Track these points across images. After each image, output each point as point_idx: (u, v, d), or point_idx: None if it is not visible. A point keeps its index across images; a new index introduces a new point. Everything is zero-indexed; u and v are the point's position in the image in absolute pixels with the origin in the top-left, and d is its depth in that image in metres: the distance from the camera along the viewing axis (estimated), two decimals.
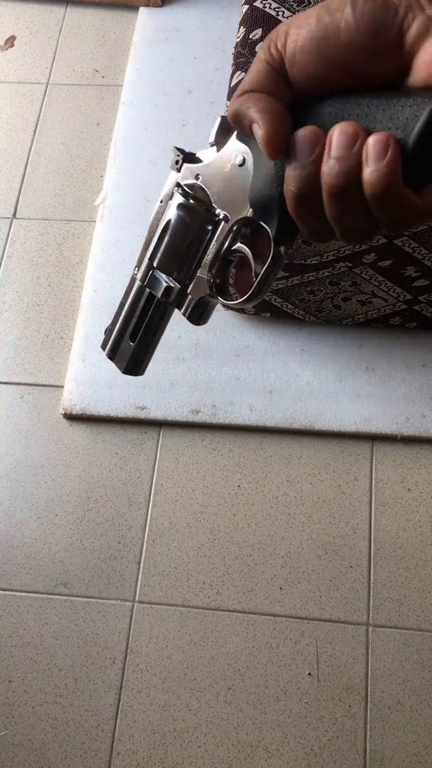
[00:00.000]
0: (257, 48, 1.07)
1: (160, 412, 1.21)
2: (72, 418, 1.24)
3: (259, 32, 1.06)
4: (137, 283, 0.44)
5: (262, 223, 0.37)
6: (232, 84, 1.05)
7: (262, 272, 0.38)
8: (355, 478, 1.16)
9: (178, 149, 0.40)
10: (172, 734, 1.04)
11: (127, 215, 1.36)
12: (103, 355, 0.47)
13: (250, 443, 1.20)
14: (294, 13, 1.07)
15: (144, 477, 1.19)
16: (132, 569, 1.14)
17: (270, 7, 1.07)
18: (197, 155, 0.40)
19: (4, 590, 1.14)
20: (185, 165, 0.40)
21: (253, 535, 1.14)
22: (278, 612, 1.09)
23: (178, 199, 0.40)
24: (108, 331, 0.46)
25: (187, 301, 0.41)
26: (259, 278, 0.38)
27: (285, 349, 1.24)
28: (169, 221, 0.41)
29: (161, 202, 0.42)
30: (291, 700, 1.05)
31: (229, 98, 1.05)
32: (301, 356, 1.23)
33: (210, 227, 0.39)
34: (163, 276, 0.42)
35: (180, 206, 0.40)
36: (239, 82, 1.04)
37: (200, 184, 0.39)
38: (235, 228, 0.39)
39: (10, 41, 1.63)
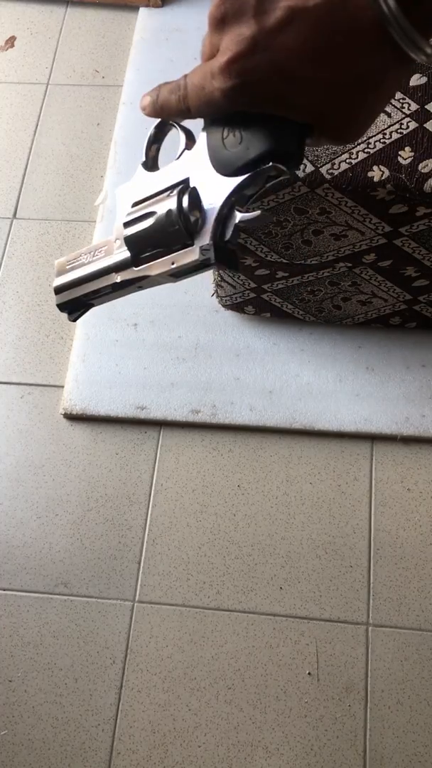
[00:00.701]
0: None
1: (160, 412, 1.21)
2: (72, 418, 1.24)
3: None
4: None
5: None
6: None
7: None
8: (355, 478, 1.16)
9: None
10: (172, 734, 1.04)
11: None
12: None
13: (250, 443, 1.20)
14: None
15: (144, 477, 1.19)
16: (132, 569, 1.14)
17: None
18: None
19: (4, 590, 1.14)
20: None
21: (253, 535, 1.14)
22: (278, 612, 1.09)
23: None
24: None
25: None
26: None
27: (285, 349, 1.24)
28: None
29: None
30: (291, 699, 1.05)
31: None
32: (301, 356, 1.23)
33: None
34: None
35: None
36: None
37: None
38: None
39: (10, 41, 1.63)
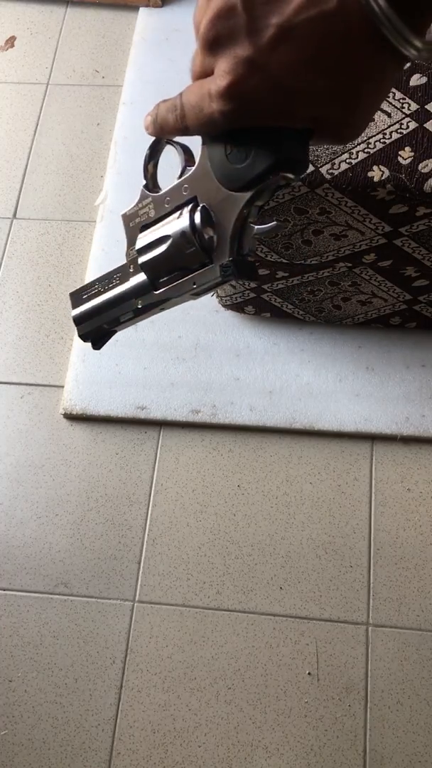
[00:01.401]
0: None
1: (160, 412, 1.21)
2: (72, 418, 1.24)
3: None
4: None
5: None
6: None
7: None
8: (355, 478, 1.16)
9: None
10: (172, 734, 1.04)
11: None
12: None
13: (250, 443, 1.20)
14: None
15: (144, 477, 1.19)
16: (132, 569, 1.14)
17: None
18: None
19: (4, 590, 1.14)
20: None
21: (253, 535, 1.14)
22: (278, 612, 1.09)
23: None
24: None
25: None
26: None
27: (285, 349, 1.24)
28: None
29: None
30: (291, 699, 1.05)
31: None
32: (301, 356, 1.23)
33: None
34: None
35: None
36: None
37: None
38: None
39: (10, 41, 1.63)
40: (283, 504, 1.15)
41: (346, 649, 1.07)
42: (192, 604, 1.11)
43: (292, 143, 0.35)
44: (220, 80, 0.33)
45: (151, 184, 0.44)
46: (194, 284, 0.40)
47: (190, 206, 0.40)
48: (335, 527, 1.14)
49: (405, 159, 0.86)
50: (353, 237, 0.96)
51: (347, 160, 0.87)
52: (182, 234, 0.40)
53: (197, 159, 0.40)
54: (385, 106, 0.89)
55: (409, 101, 0.89)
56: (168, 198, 0.42)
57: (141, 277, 0.43)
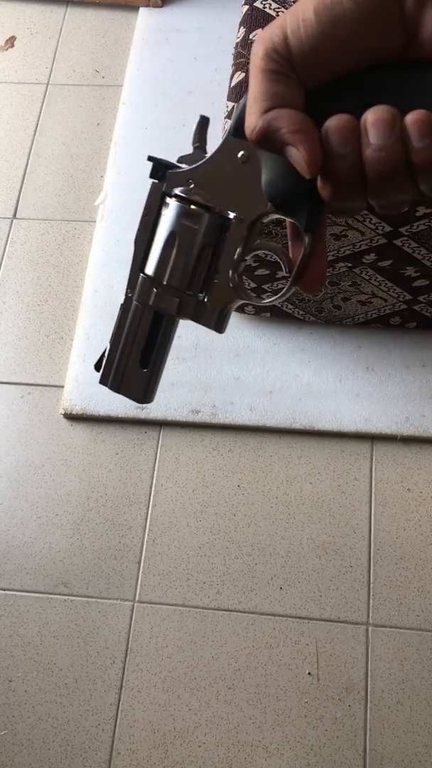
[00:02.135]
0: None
1: (160, 412, 1.21)
2: (72, 418, 1.24)
3: (259, 32, 1.06)
4: (135, 305, 0.40)
5: (285, 217, 0.36)
6: (232, 84, 1.05)
7: (298, 264, 0.36)
8: (355, 478, 1.16)
9: (152, 158, 0.38)
10: (172, 734, 1.04)
11: (127, 215, 1.36)
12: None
13: (250, 443, 1.20)
14: None
15: (144, 477, 1.19)
16: (132, 569, 1.14)
17: (270, 8, 1.07)
18: (177, 161, 0.38)
19: (4, 590, 1.14)
20: (169, 172, 0.38)
21: (253, 535, 1.14)
22: (278, 612, 1.09)
23: (176, 208, 0.37)
24: (107, 363, 0.42)
25: (207, 311, 0.39)
26: (295, 270, 0.36)
27: (285, 349, 1.24)
28: (173, 232, 0.38)
29: (146, 215, 0.39)
30: (291, 699, 1.05)
31: (229, 98, 1.05)
32: (301, 356, 1.23)
33: (220, 231, 0.37)
34: (173, 291, 0.39)
35: (183, 215, 0.37)
36: (239, 82, 1.04)
37: (196, 188, 0.37)
38: (252, 226, 0.37)
39: (10, 41, 1.63)
40: (283, 504, 1.15)
41: (346, 649, 1.07)
42: (192, 604, 1.11)
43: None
44: None
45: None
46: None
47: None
48: (335, 527, 1.14)
49: None
50: (353, 237, 0.96)
51: None
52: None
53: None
54: None
55: None
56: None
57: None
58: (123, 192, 1.39)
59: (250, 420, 1.19)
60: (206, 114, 0.42)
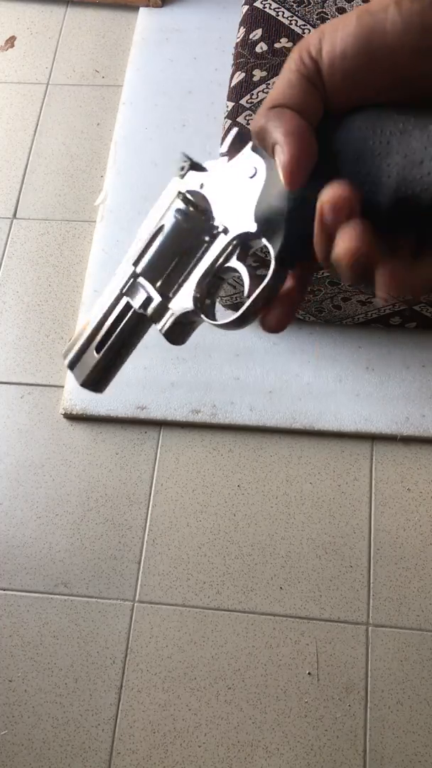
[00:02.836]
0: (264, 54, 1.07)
1: (160, 412, 1.21)
2: (72, 418, 1.24)
3: (259, 32, 1.06)
4: (118, 292, 0.40)
5: (264, 241, 0.35)
6: (232, 84, 1.05)
7: (257, 292, 0.35)
8: (355, 478, 1.16)
9: (186, 156, 0.38)
10: (172, 734, 1.04)
11: (127, 215, 1.36)
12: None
13: (250, 443, 1.20)
14: (294, 14, 1.07)
15: (144, 477, 1.19)
16: (132, 569, 1.14)
17: (270, 8, 1.07)
18: (204, 165, 0.38)
19: (4, 590, 1.14)
20: (190, 172, 0.38)
21: (253, 535, 1.14)
22: (278, 612, 1.09)
23: (178, 205, 0.37)
24: (75, 338, 0.42)
25: (167, 315, 0.38)
26: (252, 298, 0.35)
27: (285, 349, 1.24)
28: (162, 226, 0.38)
29: (156, 207, 0.39)
30: (291, 699, 1.05)
31: (229, 98, 1.05)
32: (301, 356, 1.23)
33: (207, 238, 0.37)
34: (146, 285, 0.38)
35: (178, 212, 0.37)
36: (239, 82, 1.04)
37: (203, 192, 0.37)
38: (234, 243, 0.36)
39: (10, 41, 1.63)
40: (283, 504, 1.15)
41: (346, 649, 1.07)
42: (192, 604, 1.11)
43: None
44: None
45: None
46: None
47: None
48: (335, 527, 1.14)
49: None
50: None
51: None
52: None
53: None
54: None
55: None
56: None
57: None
58: (123, 192, 1.39)
59: (250, 420, 1.19)
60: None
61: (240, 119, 1.02)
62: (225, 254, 0.36)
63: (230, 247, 0.36)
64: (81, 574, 1.14)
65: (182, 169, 0.38)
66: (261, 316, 0.36)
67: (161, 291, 0.38)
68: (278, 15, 1.07)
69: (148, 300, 0.38)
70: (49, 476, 1.21)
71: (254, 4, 1.08)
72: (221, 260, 0.37)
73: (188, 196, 0.37)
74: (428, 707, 1.03)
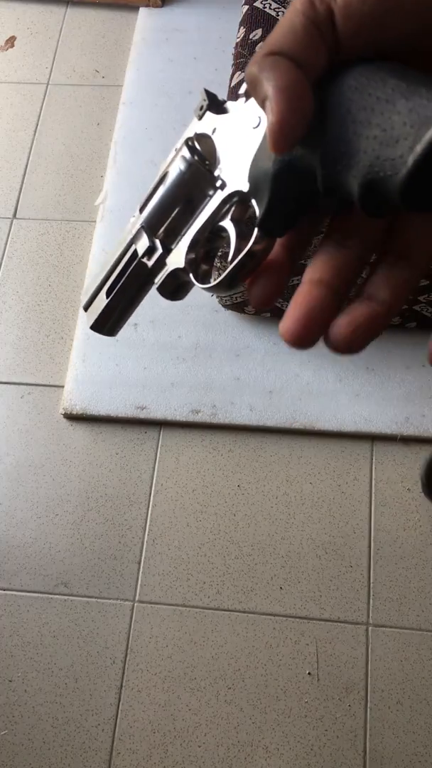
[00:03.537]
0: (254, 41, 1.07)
1: (160, 412, 1.21)
2: (72, 418, 1.24)
3: (259, 32, 1.06)
4: (128, 240, 0.38)
5: (254, 202, 0.31)
6: (232, 84, 1.05)
7: (238, 259, 0.31)
8: (355, 478, 1.16)
9: (207, 93, 0.34)
10: (172, 734, 1.04)
11: (128, 215, 1.35)
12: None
13: (250, 443, 1.20)
14: None
15: (144, 477, 1.19)
16: (132, 569, 1.14)
17: (270, 8, 1.07)
18: (226, 105, 0.34)
19: (4, 590, 1.14)
20: (207, 113, 0.34)
21: (253, 535, 1.14)
22: (278, 612, 1.09)
23: (183, 152, 0.34)
24: (96, 286, 0.42)
25: (163, 269, 0.36)
26: (233, 265, 0.32)
27: (285, 349, 1.24)
28: (166, 173, 0.35)
29: (175, 151, 0.36)
30: (291, 699, 1.05)
31: (229, 98, 1.05)
32: (301, 356, 1.23)
33: (210, 192, 0.34)
34: (147, 231, 0.36)
35: (182, 159, 0.34)
36: (239, 82, 1.04)
37: (213, 139, 0.33)
38: (229, 200, 0.33)
39: (10, 41, 1.63)
40: (283, 504, 1.15)
41: (346, 649, 1.07)
42: (192, 604, 1.11)
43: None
44: None
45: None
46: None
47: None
48: (335, 527, 1.14)
49: None
50: None
51: None
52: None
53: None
54: None
55: None
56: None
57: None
58: (123, 192, 1.39)
59: (250, 420, 1.19)
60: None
61: None
62: (221, 211, 0.34)
63: (227, 204, 0.33)
64: (81, 574, 1.14)
65: (201, 108, 0.34)
66: (248, 288, 0.32)
67: (163, 243, 0.36)
68: (278, 15, 1.07)
69: (151, 249, 0.37)
70: (49, 476, 1.21)
71: (254, 4, 1.08)
72: (217, 217, 0.34)
73: (194, 142, 0.34)
74: (428, 707, 1.03)
